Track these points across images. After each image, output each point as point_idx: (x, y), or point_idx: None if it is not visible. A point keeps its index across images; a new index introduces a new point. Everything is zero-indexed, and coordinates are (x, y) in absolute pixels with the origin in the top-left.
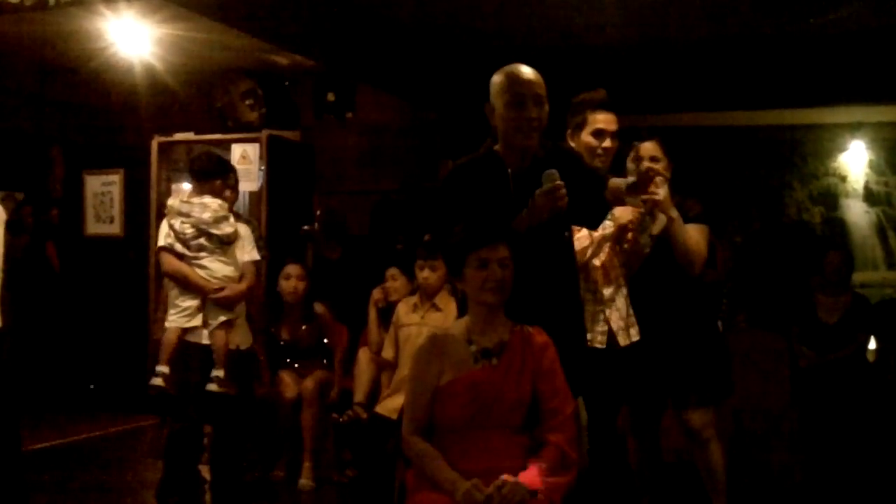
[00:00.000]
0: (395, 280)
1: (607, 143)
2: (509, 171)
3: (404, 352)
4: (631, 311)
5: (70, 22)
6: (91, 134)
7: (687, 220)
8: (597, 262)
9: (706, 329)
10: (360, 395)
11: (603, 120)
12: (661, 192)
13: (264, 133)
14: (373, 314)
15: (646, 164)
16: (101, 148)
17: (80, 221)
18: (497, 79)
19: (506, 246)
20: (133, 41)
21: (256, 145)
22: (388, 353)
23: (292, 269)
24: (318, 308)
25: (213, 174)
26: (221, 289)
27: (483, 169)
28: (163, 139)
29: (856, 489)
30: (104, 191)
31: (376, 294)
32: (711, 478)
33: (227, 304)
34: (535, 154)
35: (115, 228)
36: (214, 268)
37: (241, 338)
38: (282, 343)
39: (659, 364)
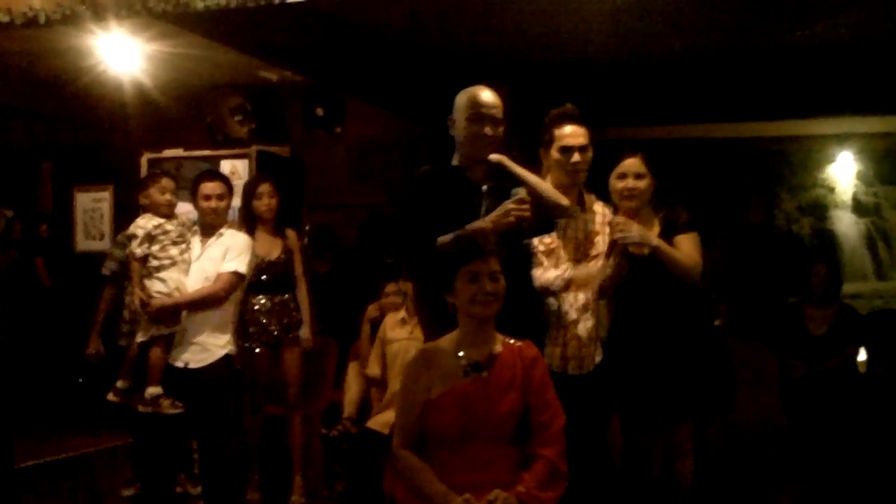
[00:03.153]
0: (396, 295)
1: (576, 157)
2: (472, 182)
3: (394, 367)
4: (594, 343)
5: (60, 39)
6: (81, 150)
7: (677, 229)
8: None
9: (707, 341)
10: (349, 410)
11: (570, 134)
12: (633, 231)
13: (253, 148)
14: (366, 329)
15: (630, 181)
16: (91, 164)
17: (69, 237)
18: (461, 98)
19: (496, 259)
20: (123, 58)
21: (246, 160)
22: (373, 369)
23: (264, 187)
24: (289, 233)
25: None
26: (146, 303)
27: (445, 180)
28: (152, 155)
29: (847, 500)
30: (94, 207)
31: (372, 311)
32: (680, 491)
33: (160, 320)
34: (490, 168)
35: (104, 245)
36: (149, 284)
37: (193, 355)
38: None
39: (656, 378)
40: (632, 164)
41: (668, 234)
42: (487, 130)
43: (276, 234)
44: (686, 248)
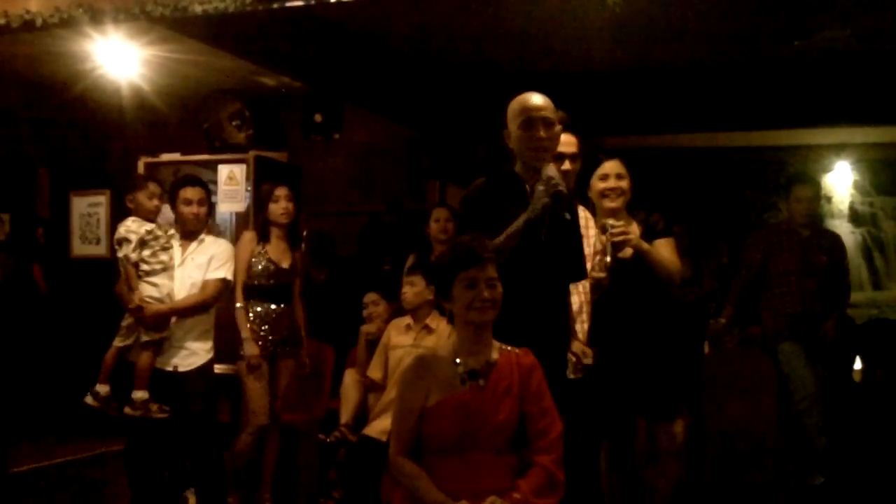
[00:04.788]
0: (376, 305)
1: (566, 165)
2: (529, 188)
3: (395, 374)
4: (586, 347)
5: (57, 43)
6: (78, 155)
7: (655, 235)
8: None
9: (686, 345)
10: (346, 417)
11: (563, 143)
12: (633, 234)
13: (251, 154)
14: (363, 340)
15: (612, 181)
16: (87, 169)
17: (66, 243)
18: (511, 107)
19: (494, 266)
20: (120, 62)
21: (243, 166)
22: (375, 372)
23: (281, 191)
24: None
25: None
26: (139, 308)
27: (503, 188)
28: (150, 160)
29: None
30: (91, 212)
31: (368, 328)
32: (661, 494)
33: (151, 325)
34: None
35: (101, 250)
36: (141, 288)
37: (182, 359)
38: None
39: (636, 381)
40: (613, 165)
41: (648, 238)
42: (541, 133)
43: (289, 243)
44: (666, 252)
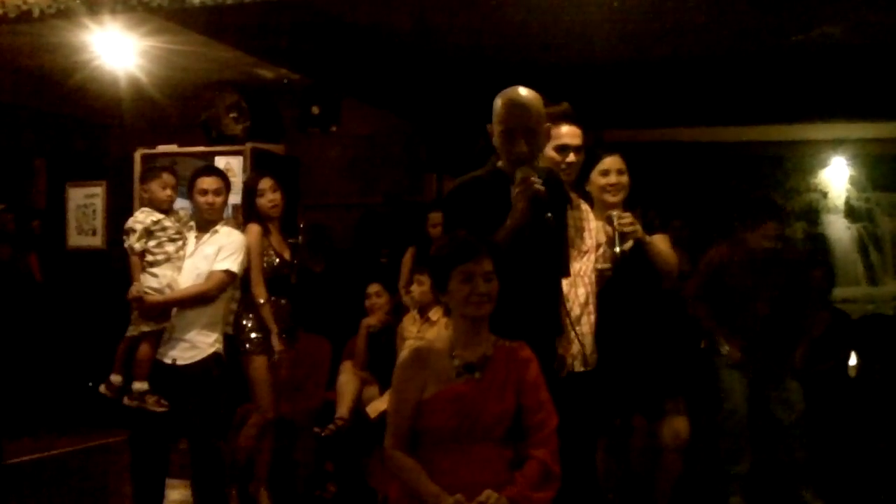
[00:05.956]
0: (379, 297)
1: (571, 157)
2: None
3: None
4: (593, 339)
5: (55, 34)
6: (75, 146)
7: (652, 231)
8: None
9: (684, 339)
10: (342, 410)
11: (567, 134)
12: (638, 225)
13: (248, 146)
14: (363, 332)
15: (613, 177)
16: (84, 160)
17: (62, 234)
18: (497, 104)
19: (490, 260)
20: (118, 54)
21: (241, 158)
22: None
23: (265, 183)
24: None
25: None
26: (137, 299)
27: (488, 185)
28: (146, 151)
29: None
30: (87, 203)
31: (369, 320)
32: (664, 489)
33: (150, 316)
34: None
35: (97, 241)
36: (143, 278)
37: (181, 352)
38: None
39: (632, 378)
40: (613, 161)
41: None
42: (521, 147)
43: (284, 233)
44: (664, 246)
